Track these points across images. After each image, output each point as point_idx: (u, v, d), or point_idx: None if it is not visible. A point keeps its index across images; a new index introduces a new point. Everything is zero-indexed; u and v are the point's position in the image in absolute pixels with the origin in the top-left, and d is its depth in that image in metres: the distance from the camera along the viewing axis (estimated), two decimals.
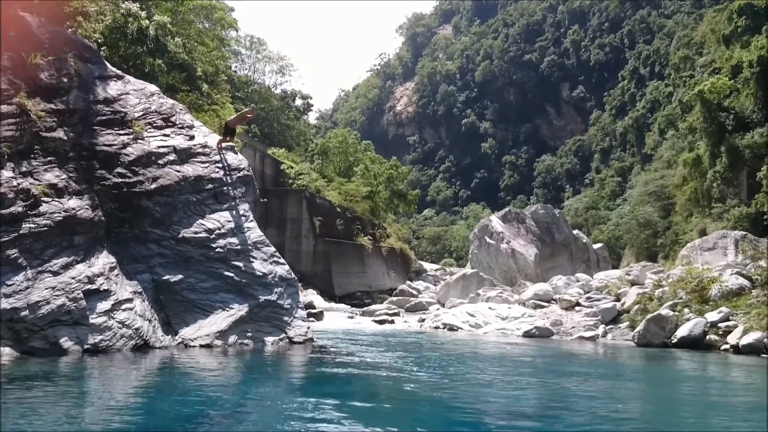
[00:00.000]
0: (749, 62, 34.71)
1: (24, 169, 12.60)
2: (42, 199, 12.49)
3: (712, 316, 18.80)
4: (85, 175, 13.83)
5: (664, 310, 19.92)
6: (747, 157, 33.60)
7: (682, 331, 18.70)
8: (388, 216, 51.19)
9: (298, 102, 56.82)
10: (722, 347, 17.74)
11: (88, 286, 12.36)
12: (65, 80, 14.38)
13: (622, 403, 10.16)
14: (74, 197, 13.19)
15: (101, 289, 12.56)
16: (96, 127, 14.67)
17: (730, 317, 18.51)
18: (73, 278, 12.24)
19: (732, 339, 17.53)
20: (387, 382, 11.13)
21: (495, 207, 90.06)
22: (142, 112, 15.87)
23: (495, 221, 44.33)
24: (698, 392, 11.72)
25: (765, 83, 33.87)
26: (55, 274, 12.08)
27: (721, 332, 18.22)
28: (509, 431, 7.73)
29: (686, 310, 19.87)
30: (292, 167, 39.25)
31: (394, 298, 33.45)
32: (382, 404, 9.11)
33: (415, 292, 36.90)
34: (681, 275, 21.89)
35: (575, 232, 47.99)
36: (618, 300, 24.58)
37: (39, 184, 12.60)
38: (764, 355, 16.31)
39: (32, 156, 12.89)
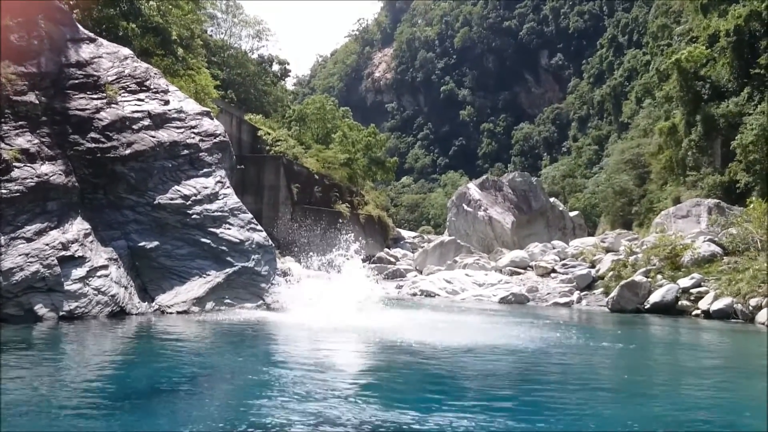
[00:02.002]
0: (726, 31, 34.78)
1: None
2: (14, 164, 12.29)
3: (685, 282, 19.13)
4: (57, 139, 13.61)
5: (638, 277, 20.23)
6: (722, 125, 33.86)
7: (654, 297, 19.03)
8: (366, 183, 50.97)
9: (275, 67, 56.07)
10: (694, 312, 18.10)
11: (63, 253, 12.24)
12: (36, 42, 14.07)
13: (592, 365, 10.33)
14: (47, 162, 12.99)
15: (76, 256, 12.45)
16: (68, 91, 14.41)
17: (702, 283, 18.85)
18: (47, 245, 12.12)
19: (703, 304, 17.88)
20: (363, 348, 11.19)
21: (473, 174, 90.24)
22: (115, 76, 15.60)
23: (473, 189, 44.40)
24: (671, 356, 11.97)
25: (741, 53, 34.00)
26: (29, 240, 11.94)
27: (692, 298, 18.56)
28: (486, 397, 7.83)
29: (659, 276, 20.21)
30: (269, 134, 38.84)
31: (372, 265, 33.57)
32: (358, 372, 9.17)
33: (392, 260, 37.01)
34: (655, 242, 22.20)
35: (552, 199, 48.28)
36: (593, 267, 24.90)
37: (10, 149, 12.39)
38: (734, 320, 16.67)
39: (3, 120, 12.65)
